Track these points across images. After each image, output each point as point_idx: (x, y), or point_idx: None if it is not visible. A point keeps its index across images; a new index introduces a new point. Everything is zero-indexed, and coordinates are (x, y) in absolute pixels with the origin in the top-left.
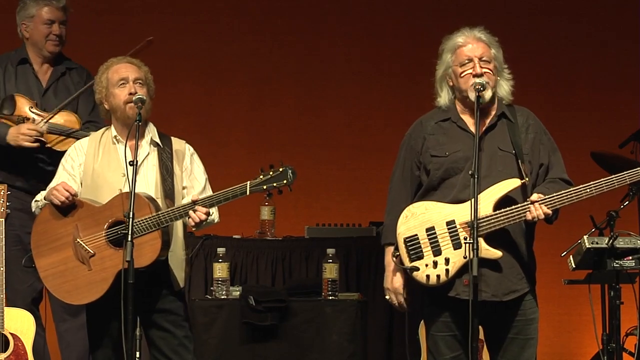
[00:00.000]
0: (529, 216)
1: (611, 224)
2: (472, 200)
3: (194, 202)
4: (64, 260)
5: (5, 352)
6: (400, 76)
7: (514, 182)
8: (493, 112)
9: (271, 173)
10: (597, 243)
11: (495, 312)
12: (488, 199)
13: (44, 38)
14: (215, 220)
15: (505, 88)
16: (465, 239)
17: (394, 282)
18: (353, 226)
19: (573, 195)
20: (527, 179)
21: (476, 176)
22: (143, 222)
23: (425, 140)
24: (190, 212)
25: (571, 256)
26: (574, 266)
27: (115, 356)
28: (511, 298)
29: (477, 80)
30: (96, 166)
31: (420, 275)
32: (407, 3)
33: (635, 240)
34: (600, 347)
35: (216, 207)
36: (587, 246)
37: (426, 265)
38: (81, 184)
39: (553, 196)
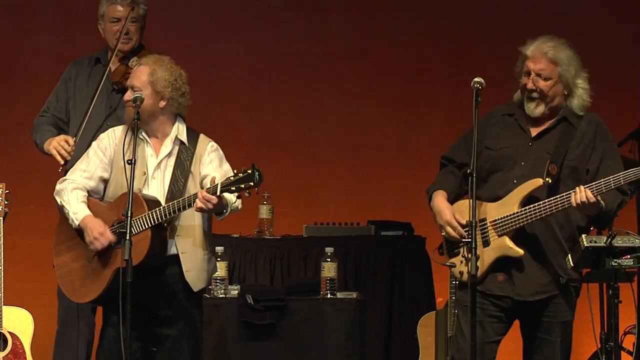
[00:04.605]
0: (573, 200)
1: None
2: (470, 201)
3: (164, 206)
4: (73, 259)
5: (3, 350)
6: (400, 75)
7: (536, 182)
8: (553, 119)
9: (240, 175)
10: (595, 242)
11: (529, 311)
12: (514, 197)
13: (113, 36)
14: (239, 207)
15: (575, 102)
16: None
17: (442, 216)
18: (352, 225)
19: (612, 182)
20: (548, 179)
21: (474, 175)
22: (134, 222)
23: (487, 131)
24: (198, 199)
25: (569, 255)
26: (572, 265)
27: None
28: (537, 299)
29: (476, 79)
30: (122, 162)
31: (456, 272)
32: (407, 2)
33: (634, 239)
34: (599, 345)
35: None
36: (586, 245)
37: (461, 262)
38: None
39: (598, 182)
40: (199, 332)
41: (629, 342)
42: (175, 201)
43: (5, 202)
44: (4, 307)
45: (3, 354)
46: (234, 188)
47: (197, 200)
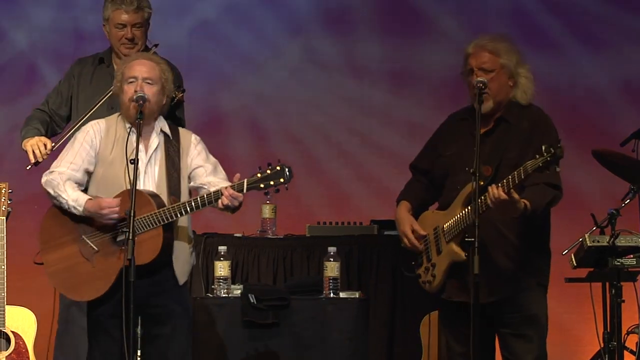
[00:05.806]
0: (488, 201)
1: (612, 222)
2: (475, 200)
3: (187, 201)
4: (69, 257)
5: (6, 350)
6: (401, 76)
7: (469, 187)
8: (494, 118)
9: (268, 171)
10: (598, 241)
11: (494, 311)
12: (456, 203)
13: (118, 41)
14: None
15: (518, 93)
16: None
17: (400, 226)
18: (354, 224)
19: (516, 176)
20: (480, 181)
21: (477, 174)
22: (144, 220)
23: (442, 137)
24: (223, 195)
25: (572, 254)
26: (575, 264)
27: (114, 352)
28: (493, 300)
29: (479, 78)
30: (110, 157)
31: (421, 282)
32: (408, 2)
33: (637, 238)
34: (601, 345)
35: None
36: (589, 244)
37: (423, 272)
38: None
39: (507, 178)
40: (191, 327)
41: (631, 341)
42: (194, 198)
43: (8, 202)
44: (6, 307)
45: (6, 353)
46: (262, 185)
47: (222, 197)
